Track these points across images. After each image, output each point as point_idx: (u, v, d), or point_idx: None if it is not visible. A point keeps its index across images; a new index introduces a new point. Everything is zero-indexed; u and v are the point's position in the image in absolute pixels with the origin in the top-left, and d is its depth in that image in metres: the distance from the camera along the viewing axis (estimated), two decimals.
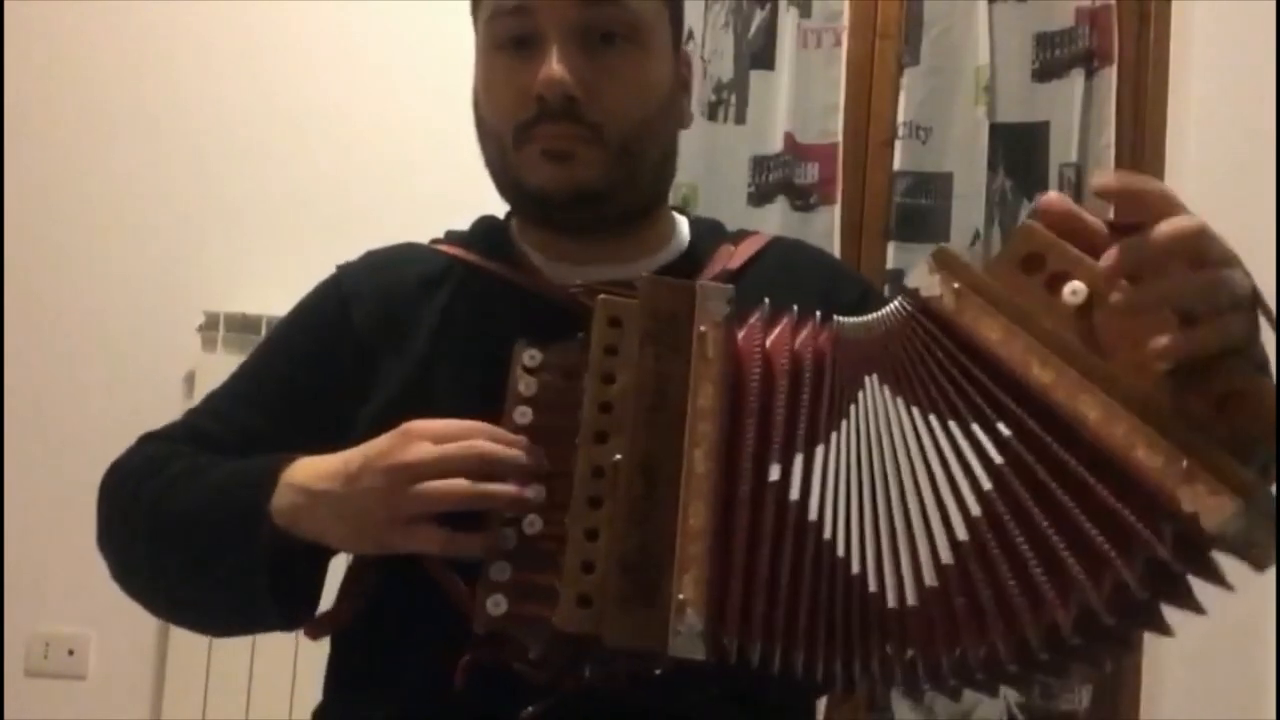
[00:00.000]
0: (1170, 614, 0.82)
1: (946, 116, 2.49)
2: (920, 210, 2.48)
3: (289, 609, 0.94)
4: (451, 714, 0.89)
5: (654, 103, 1.03)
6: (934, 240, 2.46)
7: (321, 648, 1.05)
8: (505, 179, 1.04)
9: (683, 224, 1.14)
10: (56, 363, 2.42)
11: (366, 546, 0.91)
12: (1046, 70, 2.51)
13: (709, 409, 0.84)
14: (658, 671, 0.81)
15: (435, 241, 1.13)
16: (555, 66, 0.97)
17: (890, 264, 2.46)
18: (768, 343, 0.87)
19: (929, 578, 0.77)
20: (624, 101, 1.00)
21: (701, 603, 0.79)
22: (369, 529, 0.87)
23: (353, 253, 1.14)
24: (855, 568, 0.79)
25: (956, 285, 0.80)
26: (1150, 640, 2.42)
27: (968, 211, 2.46)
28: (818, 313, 0.88)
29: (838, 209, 2.47)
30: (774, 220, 2.43)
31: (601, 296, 0.87)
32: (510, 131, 1.01)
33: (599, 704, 0.85)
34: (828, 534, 0.81)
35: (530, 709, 0.86)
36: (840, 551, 0.80)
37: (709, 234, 1.13)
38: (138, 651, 2.34)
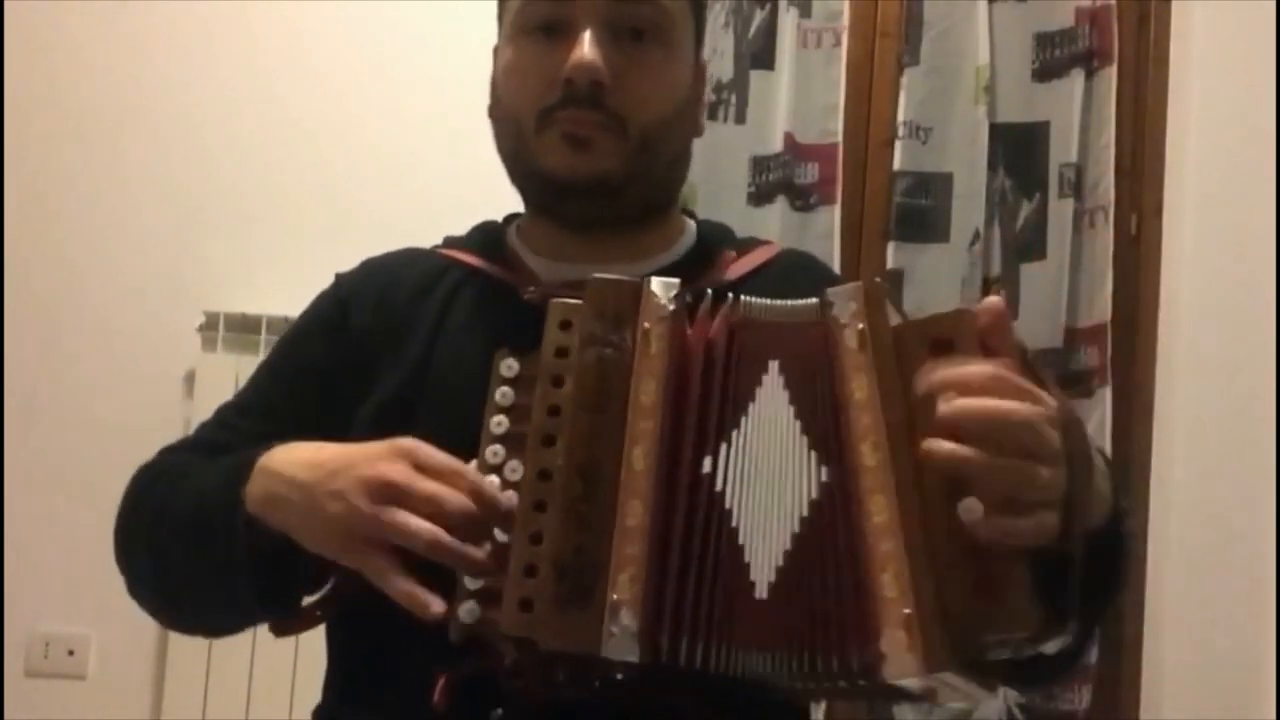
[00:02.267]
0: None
1: (946, 116, 2.49)
2: (920, 210, 2.48)
3: (271, 601, 0.93)
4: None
5: (675, 102, 1.05)
6: (934, 240, 2.47)
7: (322, 647, 1.05)
8: (521, 164, 1.04)
9: (691, 227, 1.14)
10: (56, 363, 2.42)
11: (320, 550, 0.88)
12: (1046, 70, 2.52)
13: (650, 405, 0.83)
14: (619, 676, 0.81)
15: (436, 247, 1.13)
16: (587, 51, 0.98)
17: (890, 264, 2.46)
18: (710, 333, 0.87)
19: (770, 575, 0.80)
20: (648, 96, 1.02)
21: (637, 602, 0.79)
22: (329, 533, 0.86)
23: (353, 252, 1.14)
24: (746, 556, 0.81)
25: (861, 327, 0.81)
26: (1150, 640, 2.43)
27: (968, 211, 2.46)
28: (729, 295, 0.88)
29: (838, 209, 2.47)
30: (774, 220, 2.43)
31: (553, 300, 0.88)
32: (533, 115, 1.01)
33: (574, 708, 0.85)
34: (734, 521, 0.82)
35: (499, 711, 0.86)
36: (741, 539, 0.81)
37: (716, 239, 1.13)
38: (138, 651, 2.34)
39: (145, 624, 1.07)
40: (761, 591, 0.80)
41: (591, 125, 0.99)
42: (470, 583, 0.83)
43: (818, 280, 1.12)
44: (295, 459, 0.89)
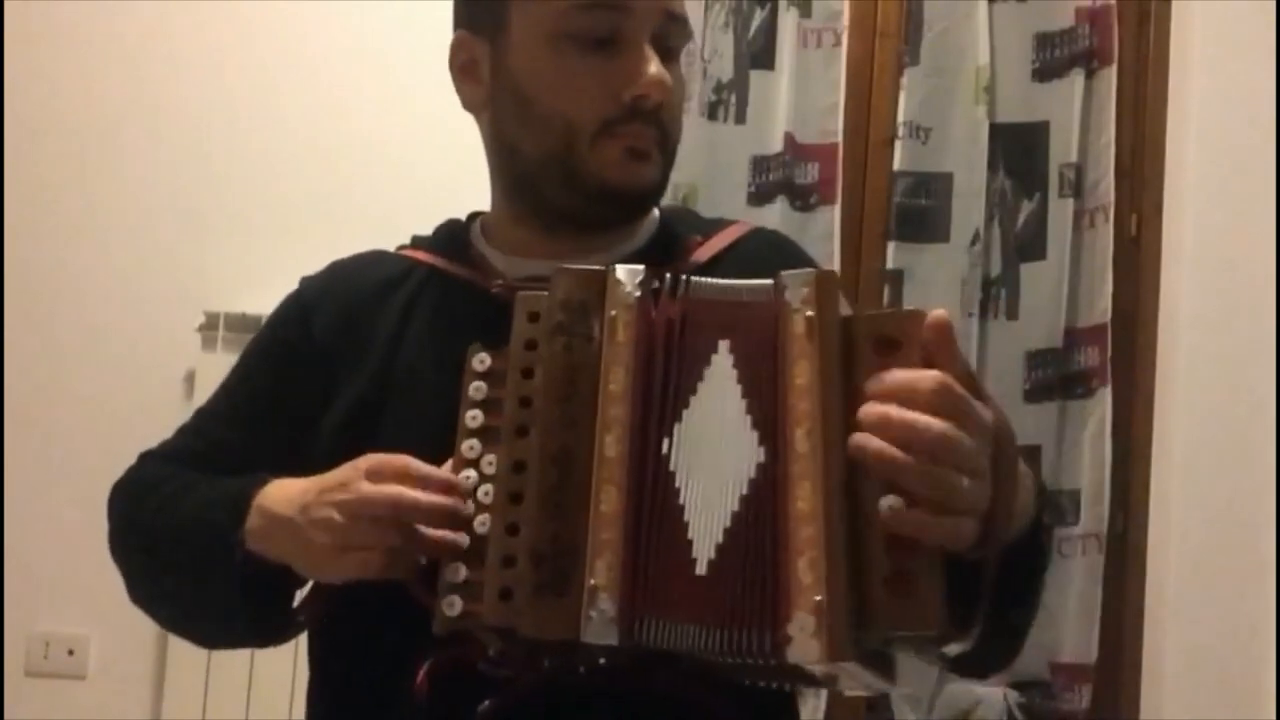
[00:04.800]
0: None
1: (946, 116, 2.49)
2: (920, 210, 2.48)
3: (262, 627, 0.98)
4: (419, 715, 0.90)
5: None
6: (934, 240, 2.47)
7: None
8: (563, 170, 1.03)
9: (653, 214, 1.14)
10: (57, 362, 2.42)
11: (318, 573, 0.93)
12: (1046, 70, 2.52)
13: (619, 392, 0.84)
14: (601, 661, 0.82)
15: (401, 248, 1.14)
16: (659, 70, 1.00)
17: (890, 264, 2.47)
18: (669, 314, 0.87)
19: (710, 552, 0.81)
20: (679, 111, 1.07)
21: (614, 587, 0.80)
22: (316, 557, 0.90)
23: (353, 252, 1.14)
24: (690, 533, 0.82)
25: (810, 314, 0.82)
26: (1150, 640, 2.43)
27: (968, 211, 2.46)
28: (683, 276, 0.89)
29: (838, 209, 2.47)
30: (774, 220, 2.42)
31: (520, 293, 0.89)
32: (593, 126, 1.01)
33: (560, 693, 0.87)
34: (681, 499, 0.83)
35: (486, 704, 0.87)
36: (686, 516, 0.82)
37: (680, 221, 1.14)
38: (138, 651, 2.34)
39: (145, 624, 1.07)
40: (701, 568, 0.81)
41: (650, 140, 1.02)
42: (452, 576, 0.84)
43: (788, 260, 1.13)
44: (283, 497, 0.93)
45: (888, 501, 0.75)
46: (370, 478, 0.87)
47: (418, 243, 1.14)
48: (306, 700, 1.04)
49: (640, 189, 1.03)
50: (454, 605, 0.83)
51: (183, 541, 0.98)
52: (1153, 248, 2.48)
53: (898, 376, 0.78)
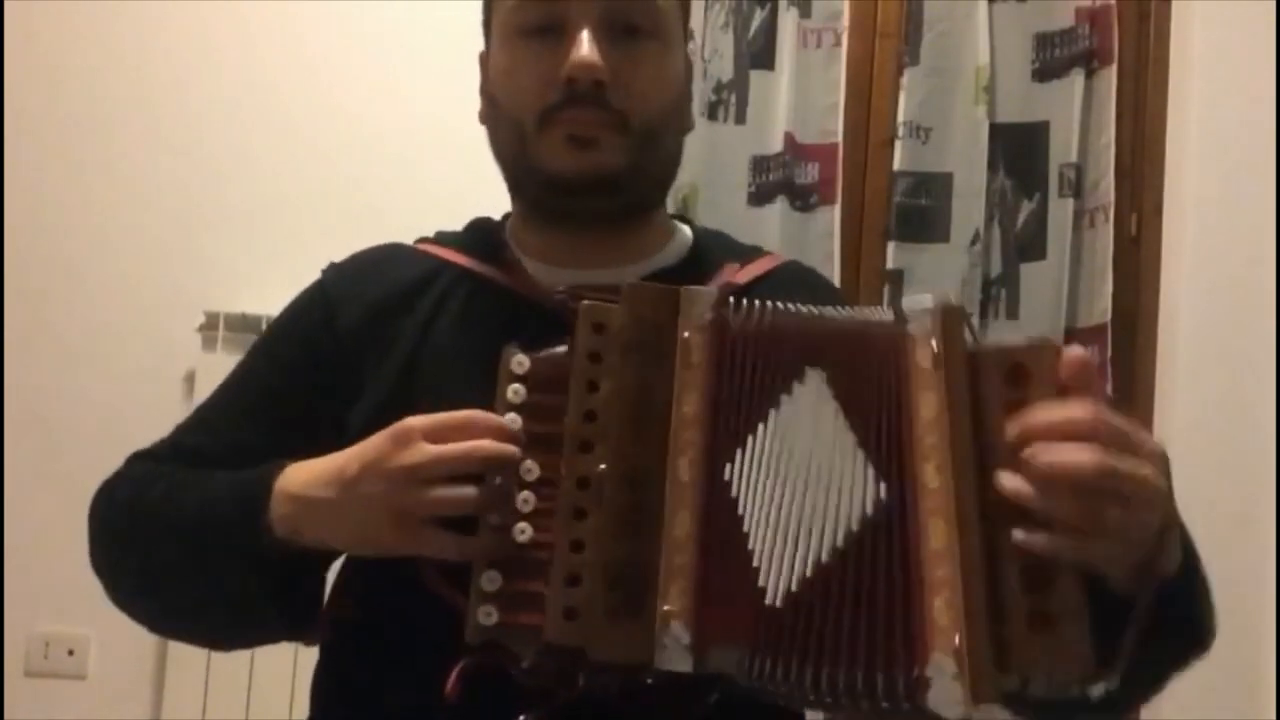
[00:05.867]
0: None
1: (946, 116, 2.49)
2: (920, 210, 2.48)
3: (292, 617, 0.94)
4: (447, 717, 0.87)
5: (672, 97, 1.05)
6: (934, 240, 2.47)
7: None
8: (522, 166, 1.03)
9: (684, 231, 1.13)
10: (56, 362, 2.42)
11: (370, 550, 0.89)
12: (1046, 70, 2.52)
13: (693, 416, 0.83)
14: (649, 681, 0.80)
15: (423, 241, 1.12)
16: (587, 50, 0.97)
17: (890, 264, 2.46)
18: (745, 339, 0.86)
19: (794, 584, 0.79)
20: (647, 91, 1.01)
21: (688, 614, 0.79)
22: (372, 534, 0.86)
23: (354, 252, 1.14)
24: (755, 561, 0.80)
25: (936, 347, 0.79)
26: None
27: (968, 211, 2.46)
28: (757, 301, 0.87)
29: (838, 209, 2.47)
30: (774, 220, 2.43)
31: (585, 303, 0.86)
32: (534, 116, 1.00)
33: (594, 711, 0.84)
34: (745, 526, 0.81)
35: (522, 718, 0.85)
36: (751, 544, 0.81)
37: (714, 244, 1.12)
38: (138, 651, 2.33)
39: None
40: (774, 599, 0.79)
41: (596, 124, 0.98)
42: (487, 584, 0.82)
43: (818, 294, 1.11)
44: (314, 477, 0.89)
45: (1026, 538, 0.73)
46: (431, 438, 0.84)
47: (444, 239, 1.11)
48: (312, 695, 1.02)
49: (592, 174, 0.99)
50: (490, 614, 0.82)
51: (195, 536, 0.94)
52: (1153, 248, 2.48)
53: (1049, 412, 0.75)
